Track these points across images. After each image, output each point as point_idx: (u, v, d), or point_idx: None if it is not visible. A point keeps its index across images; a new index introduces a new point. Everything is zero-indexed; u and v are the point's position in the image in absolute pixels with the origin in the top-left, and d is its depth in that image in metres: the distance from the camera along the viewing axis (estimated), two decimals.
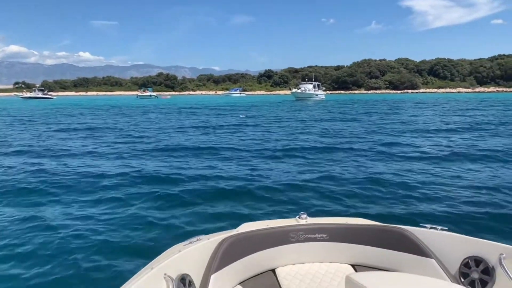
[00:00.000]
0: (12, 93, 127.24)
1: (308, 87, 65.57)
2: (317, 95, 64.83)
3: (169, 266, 2.10)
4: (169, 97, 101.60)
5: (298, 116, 30.55)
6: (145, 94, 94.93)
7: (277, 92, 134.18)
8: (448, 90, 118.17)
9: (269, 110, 40.22)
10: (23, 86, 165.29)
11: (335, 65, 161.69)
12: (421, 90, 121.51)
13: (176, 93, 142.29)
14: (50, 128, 21.50)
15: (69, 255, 4.71)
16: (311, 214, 2.90)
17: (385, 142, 14.08)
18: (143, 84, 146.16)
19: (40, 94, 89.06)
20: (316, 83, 69.71)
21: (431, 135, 16.42)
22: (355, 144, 13.60)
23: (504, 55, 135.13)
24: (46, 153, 12.49)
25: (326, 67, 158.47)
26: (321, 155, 11.52)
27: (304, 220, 2.80)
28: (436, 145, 13.16)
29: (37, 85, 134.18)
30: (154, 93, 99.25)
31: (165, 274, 1.99)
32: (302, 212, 2.87)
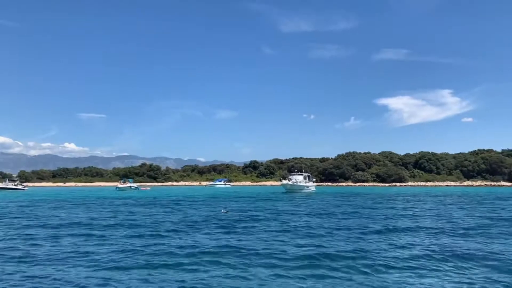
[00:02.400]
0: None
1: (298, 179, 62.07)
2: (308, 187, 61.27)
3: None
4: (149, 188, 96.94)
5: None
6: (125, 185, 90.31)
7: (263, 182, 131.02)
8: (436, 183, 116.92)
9: (261, 205, 35.85)
10: (0, 176, 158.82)
11: (320, 157, 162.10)
12: (409, 183, 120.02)
13: (159, 184, 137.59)
14: None
15: None
16: None
17: None
18: (124, 175, 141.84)
19: (10, 185, 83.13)
20: (307, 174, 66.59)
21: None
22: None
23: (484, 150, 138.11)
24: None
25: (312, 159, 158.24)
26: None
27: None
28: None
29: (14, 175, 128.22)
30: (134, 184, 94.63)
31: None
32: None
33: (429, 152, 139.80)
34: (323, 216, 22.47)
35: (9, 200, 42.76)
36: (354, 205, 32.47)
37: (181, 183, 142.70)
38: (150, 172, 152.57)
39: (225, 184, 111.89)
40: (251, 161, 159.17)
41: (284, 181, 61.61)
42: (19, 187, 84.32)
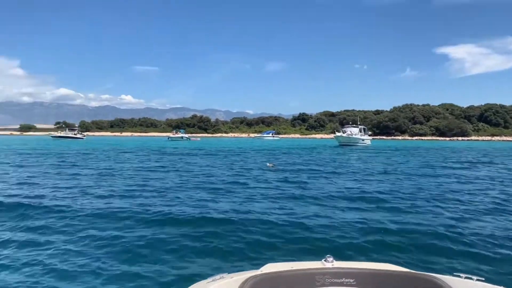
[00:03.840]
0: (50, 132, 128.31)
1: (353, 131, 58.59)
2: (363, 140, 57.83)
3: None
4: (199, 139, 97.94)
5: None
6: (176, 135, 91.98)
7: (313, 135, 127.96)
8: (504, 138, 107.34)
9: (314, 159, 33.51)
10: (63, 126, 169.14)
11: (373, 109, 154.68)
12: (473, 138, 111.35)
13: (209, 135, 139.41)
14: None
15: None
16: (337, 258, 2.74)
17: None
18: (176, 126, 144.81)
19: (70, 134, 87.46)
20: (362, 126, 62.81)
21: None
22: None
23: None
24: None
25: (365, 111, 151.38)
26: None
27: (331, 263, 2.65)
28: None
29: (76, 125, 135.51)
30: (186, 135, 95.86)
31: None
32: (328, 255, 2.72)
33: (496, 104, 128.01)
34: (400, 176, 19.47)
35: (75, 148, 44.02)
36: (424, 161, 29.07)
37: (230, 134, 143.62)
38: (200, 123, 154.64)
39: (273, 136, 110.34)
40: (300, 113, 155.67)
41: (338, 134, 58.36)
42: (78, 136, 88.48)
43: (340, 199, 11.19)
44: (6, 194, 11.69)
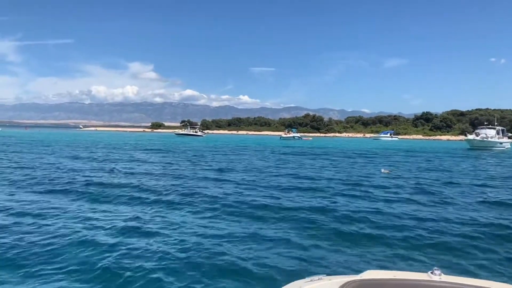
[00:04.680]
0: (175, 130, 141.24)
1: (489, 133, 50.88)
2: (501, 143, 49.77)
3: None
4: (311, 139, 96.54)
5: None
6: (288, 135, 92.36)
7: (438, 137, 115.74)
8: None
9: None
10: (187, 124, 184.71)
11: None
12: None
13: (321, 134, 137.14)
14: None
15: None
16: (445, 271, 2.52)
17: None
18: (289, 125, 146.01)
19: (191, 132, 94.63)
20: (500, 128, 54.06)
21: None
22: None
23: None
24: None
25: (502, 110, 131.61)
26: None
27: (438, 276, 2.43)
28: None
29: (199, 124, 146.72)
30: (298, 134, 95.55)
31: None
32: (435, 268, 2.50)
33: None
34: None
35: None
36: None
37: (344, 134, 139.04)
38: (313, 122, 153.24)
39: (391, 137, 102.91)
40: (423, 112, 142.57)
41: (470, 136, 51.13)
42: (199, 133, 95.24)
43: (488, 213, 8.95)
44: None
